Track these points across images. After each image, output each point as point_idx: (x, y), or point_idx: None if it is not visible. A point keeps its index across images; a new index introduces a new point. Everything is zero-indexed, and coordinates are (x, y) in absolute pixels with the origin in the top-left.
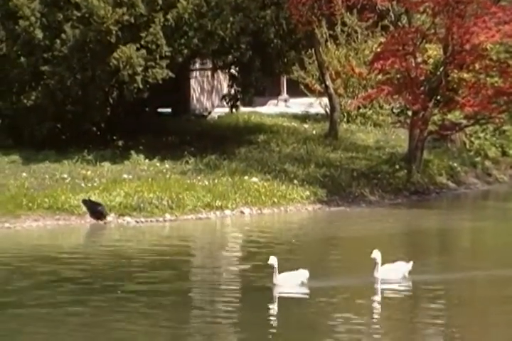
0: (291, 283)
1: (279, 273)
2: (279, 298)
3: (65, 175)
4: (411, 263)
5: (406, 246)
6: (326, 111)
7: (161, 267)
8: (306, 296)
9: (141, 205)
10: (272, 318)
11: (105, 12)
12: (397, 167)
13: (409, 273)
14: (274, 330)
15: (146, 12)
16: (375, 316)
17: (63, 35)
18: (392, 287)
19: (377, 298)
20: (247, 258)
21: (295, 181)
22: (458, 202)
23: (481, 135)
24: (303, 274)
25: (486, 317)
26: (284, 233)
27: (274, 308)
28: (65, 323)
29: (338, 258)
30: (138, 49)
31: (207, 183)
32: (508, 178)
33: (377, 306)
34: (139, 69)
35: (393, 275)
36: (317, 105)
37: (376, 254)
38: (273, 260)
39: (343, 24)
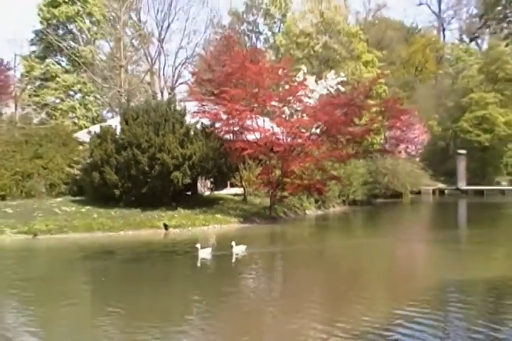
0: (206, 253)
1: (201, 248)
2: (201, 260)
3: (156, 216)
4: (246, 246)
5: (263, 237)
6: (243, 193)
7: (191, 242)
8: (210, 258)
9: (180, 224)
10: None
11: (169, 161)
12: (266, 210)
13: (246, 249)
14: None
15: (181, 159)
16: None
17: (153, 171)
18: (239, 256)
19: (232, 259)
20: (208, 242)
21: (232, 215)
22: (289, 223)
23: (294, 199)
24: (209, 249)
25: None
26: (228, 234)
27: (195, 264)
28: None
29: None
30: (179, 173)
31: (203, 217)
32: (311, 213)
33: (231, 261)
34: (180, 179)
35: (239, 250)
36: (240, 191)
37: (233, 243)
38: (198, 245)
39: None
